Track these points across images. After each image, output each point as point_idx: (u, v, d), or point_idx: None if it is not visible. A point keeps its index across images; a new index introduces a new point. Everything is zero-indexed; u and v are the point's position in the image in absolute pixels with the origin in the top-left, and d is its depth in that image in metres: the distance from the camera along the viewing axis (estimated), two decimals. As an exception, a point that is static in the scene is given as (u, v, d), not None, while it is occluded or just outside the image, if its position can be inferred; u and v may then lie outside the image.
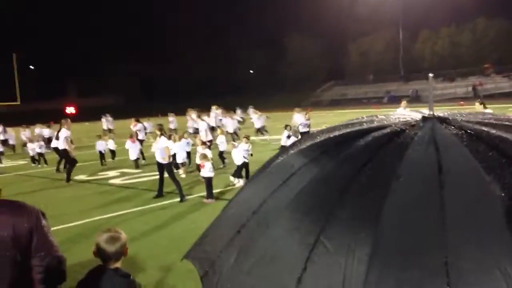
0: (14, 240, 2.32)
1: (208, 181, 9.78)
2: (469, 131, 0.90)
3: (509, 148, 0.84)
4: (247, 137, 12.06)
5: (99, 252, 2.67)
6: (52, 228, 2.60)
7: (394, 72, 70.00)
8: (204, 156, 10.07)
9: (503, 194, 0.74)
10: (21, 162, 19.47)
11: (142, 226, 8.22)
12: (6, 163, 19.79)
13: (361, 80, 69.78)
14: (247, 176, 11.26)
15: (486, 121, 0.99)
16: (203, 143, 12.51)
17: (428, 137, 0.90)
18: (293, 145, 1.22)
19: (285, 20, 79.12)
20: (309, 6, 76.14)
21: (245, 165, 11.40)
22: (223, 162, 14.05)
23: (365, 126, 1.12)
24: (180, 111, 57.56)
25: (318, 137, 1.11)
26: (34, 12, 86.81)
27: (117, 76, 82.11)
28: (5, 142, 23.83)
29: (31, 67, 75.81)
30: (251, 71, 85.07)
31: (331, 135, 1.16)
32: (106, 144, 16.80)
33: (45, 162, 17.49)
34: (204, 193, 9.97)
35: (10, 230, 2.31)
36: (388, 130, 1.01)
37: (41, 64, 78.79)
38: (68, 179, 13.17)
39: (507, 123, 0.98)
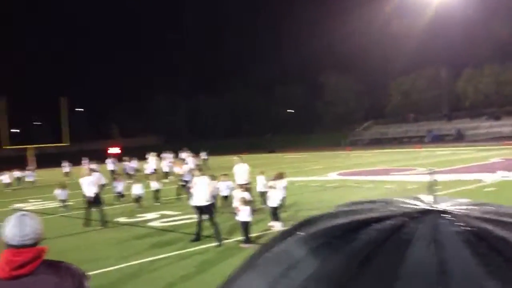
0: None
1: (246, 225, 9.76)
2: (471, 229, 0.90)
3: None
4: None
5: None
6: (91, 272, 2.68)
7: (436, 110, 68.84)
8: (243, 200, 10.09)
9: None
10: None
11: (180, 271, 8.25)
12: (48, 204, 20.28)
13: (402, 119, 68.89)
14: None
15: (490, 217, 0.98)
16: (241, 185, 12.56)
17: (429, 234, 0.90)
18: (291, 230, 1.19)
19: (322, 58, 79.75)
20: (347, 44, 76.66)
21: (278, 207, 11.38)
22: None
23: (365, 215, 1.12)
24: (219, 149, 58.45)
25: (318, 224, 1.10)
26: (82, 58, 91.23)
27: (159, 116, 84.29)
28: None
29: (79, 109, 79.11)
30: (288, 110, 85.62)
31: (333, 223, 1.15)
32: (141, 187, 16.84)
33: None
34: (241, 237, 9.95)
35: None
36: (389, 222, 1.01)
37: (88, 106, 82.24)
38: (104, 222, 13.39)
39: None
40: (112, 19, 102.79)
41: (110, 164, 32.66)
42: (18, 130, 57.16)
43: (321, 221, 1.11)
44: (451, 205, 1.10)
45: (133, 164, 32.17)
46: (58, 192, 17.93)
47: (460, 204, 1.11)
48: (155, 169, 29.97)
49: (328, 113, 79.68)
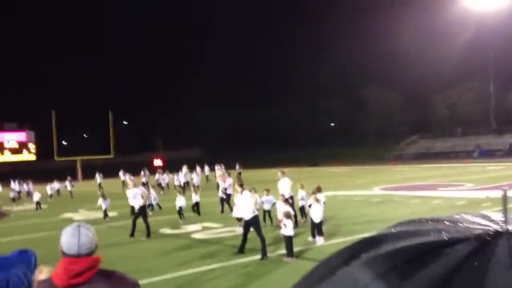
0: None
1: (289, 239, 9.69)
2: None
3: None
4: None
5: None
6: (140, 282, 2.70)
7: (485, 124, 66.55)
8: (286, 214, 10.03)
9: None
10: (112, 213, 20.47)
11: (224, 283, 8.27)
12: (95, 214, 20.75)
13: (449, 133, 67.00)
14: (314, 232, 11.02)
15: None
16: (285, 200, 12.50)
17: (506, 259, 0.83)
18: (354, 251, 1.12)
19: (366, 71, 78.85)
20: (391, 56, 75.56)
21: (321, 222, 11.24)
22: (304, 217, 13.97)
23: (433, 237, 1.04)
24: (261, 162, 58.49)
25: (383, 246, 1.03)
26: (127, 76, 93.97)
27: (203, 129, 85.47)
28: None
29: (124, 122, 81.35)
30: (332, 124, 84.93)
31: (398, 246, 1.07)
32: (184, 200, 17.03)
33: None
34: (284, 251, 9.87)
35: None
36: (462, 247, 0.94)
37: (132, 119, 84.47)
38: (148, 233, 13.64)
39: None
40: (156, 34, 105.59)
41: (144, 177, 34.25)
42: (66, 143, 59.33)
43: (385, 243, 1.05)
44: None
45: (166, 177, 33.96)
46: (101, 201, 18.55)
47: None
48: (186, 182, 30.81)
49: (372, 126, 78.47)
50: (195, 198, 17.41)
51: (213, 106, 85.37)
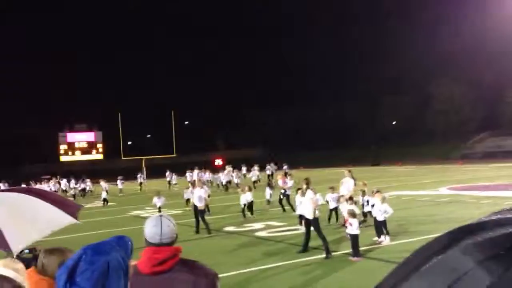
0: None
1: (355, 238, 9.58)
2: None
3: None
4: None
5: None
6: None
7: None
8: (351, 213, 9.93)
9: None
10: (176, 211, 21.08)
11: (288, 281, 8.31)
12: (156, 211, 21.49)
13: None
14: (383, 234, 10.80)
15: None
16: (350, 198, 12.36)
17: None
18: (453, 238, 1.06)
19: (431, 65, 76.11)
20: (458, 50, 72.41)
21: (385, 221, 11.01)
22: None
23: None
24: (323, 161, 57.95)
25: (483, 233, 0.97)
26: (188, 76, 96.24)
27: (262, 128, 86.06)
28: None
29: (186, 122, 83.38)
30: (394, 121, 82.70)
31: (498, 233, 1.00)
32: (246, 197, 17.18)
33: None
34: (349, 250, 9.77)
35: None
36: None
37: (194, 119, 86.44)
38: (209, 230, 13.96)
39: None
40: (214, 34, 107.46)
41: (188, 176, 36.75)
42: (130, 142, 61.68)
43: (486, 230, 1.01)
44: None
45: (207, 175, 36.69)
46: (155, 199, 19.19)
47: None
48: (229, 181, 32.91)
49: (438, 123, 75.55)
50: (248, 196, 17.22)
51: (275, 104, 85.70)
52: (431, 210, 15.90)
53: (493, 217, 1.15)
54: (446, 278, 0.90)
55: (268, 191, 19.76)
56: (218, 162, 63.56)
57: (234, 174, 34.22)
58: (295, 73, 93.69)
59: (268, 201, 19.38)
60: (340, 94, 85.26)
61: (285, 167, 40.40)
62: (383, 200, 11.32)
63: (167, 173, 40.19)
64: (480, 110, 72.98)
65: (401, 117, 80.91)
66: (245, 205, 16.84)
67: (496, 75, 69.49)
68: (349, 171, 15.48)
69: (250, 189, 17.68)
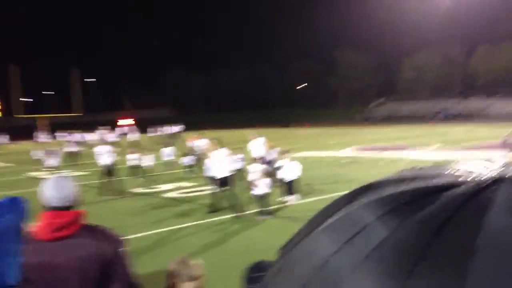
0: (95, 264, 2.35)
1: (264, 198, 9.74)
2: None
3: None
4: None
5: (172, 275, 2.67)
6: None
7: (451, 88, 67.92)
8: (262, 171, 10.05)
9: None
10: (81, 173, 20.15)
11: (200, 241, 8.29)
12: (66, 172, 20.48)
13: (415, 96, 68.15)
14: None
15: None
16: (259, 158, 12.50)
17: (507, 202, 0.79)
18: (354, 195, 1.07)
19: (338, 33, 78.83)
20: (362, 19, 75.50)
21: (294, 181, 11.35)
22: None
23: (433, 181, 1.00)
24: (232, 122, 58.37)
25: (382, 190, 0.98)
26: (95, 28, 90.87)
27: (173, 88, 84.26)
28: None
29: (91, 79, 79.28)
30: (302, 85, 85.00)
31: (398, 190, 1.03)
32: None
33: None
34: (258, 209, 9.95)
35: (93, 254, 2.35)
36: (462, 189, 0.90)
37: (101, 77, 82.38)
38: (120, 192, 13.53)
39: None
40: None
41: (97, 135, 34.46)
42: (32, 99, 57.60)
43: (386, 186, 1.02)
44: None
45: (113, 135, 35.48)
46: (46, 158, 18.40)
47: None
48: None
49: (342, 88, 79.01)
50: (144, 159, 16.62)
51: (184, 65, 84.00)
52: (336, 170, 16.65)
53: (395, 176, 1.15)
54: (346, 232, 0.87)
55: (165, 151, 19.14)
56: (127, 121, 61.49)
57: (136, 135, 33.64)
58: (207, 35, 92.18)
59: (169, 163, 18.73)
60: (251, 57, 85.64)
61: (181, 127, 40.80)
62: (290, 160, 11.58)
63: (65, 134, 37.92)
64: (380, 77, 77.32)
65: (309, 81, 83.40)
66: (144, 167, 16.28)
67: (395, 45, 73.55)
68: (256, 132, 15.61)
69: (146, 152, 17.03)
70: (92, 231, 2.47)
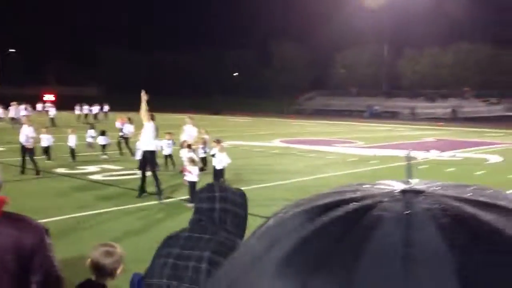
0: (15, 255, 2.26)
1: (193, 185, 9.75)
2: (442, 206, 0.96)
3: (479, 228, 0.89)
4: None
5: (93, 266, 2.66)
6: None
7: (377, 87, 70.90)
8: (191, 160, 10.04)
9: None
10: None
11: (122, 226, 8.16)
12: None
13: (345, 92, 70.48)
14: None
15: (467, 196, 1.04)
16: (189, 146, 12.47)
17: (400, 212, 0.95)
18: (289, 208, 1.21)
19: (274, 25, 79.60)
20: (298, 13, 76.72)
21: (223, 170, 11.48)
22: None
23: (348, 195, 1.17)
24: (164, 106, 57.18)
25: (310, 202, 1.13)
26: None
27: (102, 67, 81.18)
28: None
29: (12, 50, 74.45)
30: (236, 74, 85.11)
31: (318, 203, 1.20)
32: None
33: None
34: (187, 197, 9.94)
35: (12, 245, 2.25)
36: (366, 202, 1.06)
37: (23, 48, 77.49)
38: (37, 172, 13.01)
39: (487, 200, 1.02)
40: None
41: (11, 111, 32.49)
42: None
43: (312, 201, 1.16)
44: (429, 186, 1.16)
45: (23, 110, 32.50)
46: None
47: (440, 186, 1.17)
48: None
49: (276, 80, 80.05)
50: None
51: (115, 44, 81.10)
52: (265, 161, 16.96)
53: (329, 190, 1.30)
54: (265, 242, 0.99)
55: (90, 132, 18.26)
56: (49, 97, 58.51)
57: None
58: (143, 16, 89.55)
59: (90, 145, 17.77)
60: (187, 43, 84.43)
61: (106, 107, 39.92)
62: (222, 149, 11.67)
63: None
64: (312, 71, 79.19)
65: (244, 70, 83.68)
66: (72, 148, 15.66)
67: (328, 41, 75.45)
68: (191, 118, 15.54)
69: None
70: (13, 220, 2.34)
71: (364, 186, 1.21)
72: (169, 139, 14.03)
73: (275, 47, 78.68)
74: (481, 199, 1.00)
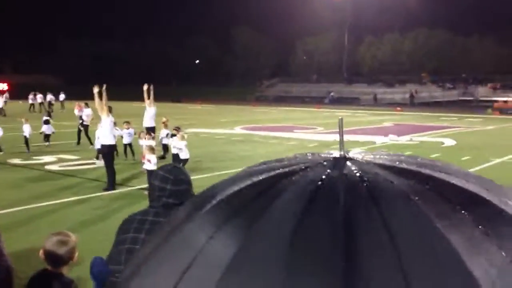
0: None
1: (151, 173, 9.65)
2: (362, 172, 1.04)
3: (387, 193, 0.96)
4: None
5: (47, 255, 2.62)
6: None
7: (337, 73, 71.79)
8: (150, 148, 9.94)
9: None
10: None
11: (79, 217, 8.02)
12: None
13: (306, 79, 71.03)
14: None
15: (391, 164, 1.12)
16: (148, 133, 12.33)
17: (316, 177, 1.02)
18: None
19: (236, 12, 79.23)
20: (260, 0, 76.52)
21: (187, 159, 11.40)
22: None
23: (282, 162, 1.24)
24: (124, 95, 56.15)
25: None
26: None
27: (60, 56, 78.77)
28: None
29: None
30: (197, 61, 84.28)
31: (253, 169, 1.28)
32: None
33: None
34: (146, 185, 9.84)
35: None
36: (291, 169, 1.13)
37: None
38: None
39: (408, 167, 1.09)
40: None
41: None
42: None
43: (252, 167, 1.22)
44: (360, 154, 1.22)
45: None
46: None
47: (375, 154, 1.23)
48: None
49: (237, 67, 79.80)
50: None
51: (74, 34, 78.81)
52: (226, 148, 16.94)
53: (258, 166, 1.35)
54: (224, 214, 1.02)
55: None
56: (3, 86, 56.43)
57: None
58: (104, 6, 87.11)
59: (45, 135, 16.65)
60: (145, 30, 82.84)
61: (62, 96, 38.97)
62: (182, 138, 11.57)
63: None
64: (273, 58, 79.33)
65: (204, 58, 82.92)
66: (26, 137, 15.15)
67: (290, 28, 75.78)
68: (149, 101, 15.30)
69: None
70: None
71: (310, 155, 1.26)
72: (127, 128, 13.81)
73: (236, 34, 78.32)
74: (403, 165, 1.05)
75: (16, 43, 78.78)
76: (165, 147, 13.89)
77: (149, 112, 14.86)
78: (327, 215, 0.85)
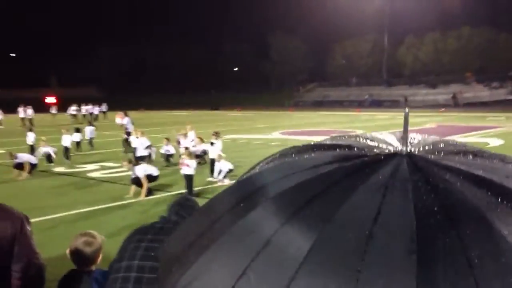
0: None
1: (189, 178, 9.76)
2: (425, 176, 0.98)
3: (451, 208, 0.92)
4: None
5: (73, 255, 2.66)
6: (31, 220, 2.58)
7: (377, 76, 70.64)
8: (188, 154, 10.05)
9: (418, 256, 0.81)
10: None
11: (120, 221, 8.18)
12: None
13: (344, 83, 70.30)
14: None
15: (453, 164, 1.06)
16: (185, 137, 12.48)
17: (385, 177, 0.96)
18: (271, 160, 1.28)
19: (271, 18, 79.31)
20: (296, 5, 76.37)
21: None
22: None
23: (341, 151, 1.18)
24: (164, 104, 57.30)
25: (291, 157, 1.16)
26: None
27: (102, 67, 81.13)
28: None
29: (12, 54, 74.51)
30: (235, 68, 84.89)
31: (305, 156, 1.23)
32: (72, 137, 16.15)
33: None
34: (184, 190, 9.95)
35: None
36: (354, 162, 1.07)
37: (24, 52, 77.57)
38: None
39: (478, 172, 1.05)
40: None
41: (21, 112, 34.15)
42: None
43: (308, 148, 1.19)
44: (420, 148, 1.17)
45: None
46: None
47: (436, 149, 1.17)
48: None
49: (274, 73, 79.87)
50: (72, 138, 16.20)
51: (112, 43, 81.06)
52: (264, 153, 16.85)
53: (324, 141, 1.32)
54: (293, 205, 0.99)
55: (88, 130, 18.19)
56: (51, 100, 58.59)
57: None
58: (139, 13, 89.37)
59: (78, 144, 17.35)
60: (185, 38, 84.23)
61: (103, 106, 40.26)
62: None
63: None
64: (310, 62, 78.92)
65: (242, 65, 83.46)
66: (66, 147, 15.63)
67: (327, 31, 75.20)
68: (191, 127, 15.32)
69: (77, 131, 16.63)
70: None
71: (360, 140, 1.23)
72: (167, 145, 14.03)
73: (272, 39, 78.44)
74: (472, 171, 0.99)
75: (59, 56, 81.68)
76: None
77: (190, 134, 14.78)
78: (399, 221, 0.83)
